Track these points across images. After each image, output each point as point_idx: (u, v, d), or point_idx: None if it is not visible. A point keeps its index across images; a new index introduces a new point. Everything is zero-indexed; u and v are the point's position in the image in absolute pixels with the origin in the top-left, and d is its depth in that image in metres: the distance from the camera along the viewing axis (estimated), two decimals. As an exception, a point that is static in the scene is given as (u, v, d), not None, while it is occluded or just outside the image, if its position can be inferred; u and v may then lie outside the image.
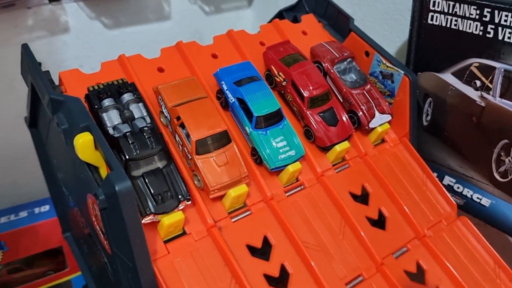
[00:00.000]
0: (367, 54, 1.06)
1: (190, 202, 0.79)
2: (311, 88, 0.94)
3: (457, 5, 0.94)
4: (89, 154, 0.73)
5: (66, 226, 1.20)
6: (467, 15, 0.93)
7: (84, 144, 0.71)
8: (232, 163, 0.82)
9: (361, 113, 0.99)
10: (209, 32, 1.61)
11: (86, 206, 0.80)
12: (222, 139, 0.83)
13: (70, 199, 1.02)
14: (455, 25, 0.96)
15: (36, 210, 1.29)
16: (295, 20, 1.17)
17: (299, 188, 0.91)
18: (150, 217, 0.75)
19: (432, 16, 1.00)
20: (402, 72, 1.00)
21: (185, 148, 0.82)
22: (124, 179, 0.65)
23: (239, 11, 1.71)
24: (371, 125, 0.99)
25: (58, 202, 1.15)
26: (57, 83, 0.88)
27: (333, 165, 0.97)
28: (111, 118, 0.78)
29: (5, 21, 1.28)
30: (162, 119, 0.87)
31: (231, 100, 0.89)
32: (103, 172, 0.76)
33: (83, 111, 0.74)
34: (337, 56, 1.02)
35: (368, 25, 1.24)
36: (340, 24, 1.12)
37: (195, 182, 0.82)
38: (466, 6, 0.92)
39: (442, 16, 0.98)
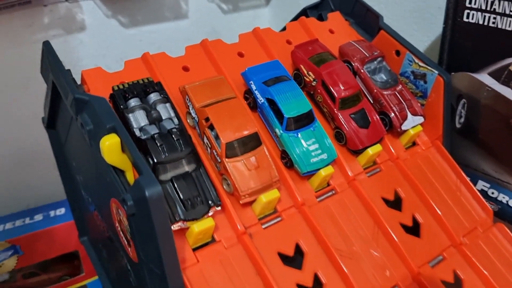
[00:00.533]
0: (397, 53, 1.02)
1: (220, 208, 0.75)
2: (342, 88, 0.90)
3: (496, 2, 0.90)
4: (116, 157, 0.69)
5: (83, 230, 1.16)
6: (507, 12, 0.88)
7: (111, 147, 0.68)
8: (263, 166, 0.78)
9: (393, 114, 0.95)
10: (225, 31, 1.57)
11: (109, 210, 0.77)
12: (253, 142, 0.79)
13: (90, 202, 0.98)
14: (493, 22, 0.92)
15: (52, 213, 1.25)
16: (320, 18, 1.13)
17: (330, 193, 0.87)
18: (179, 223, 0.71)
19: (468, 14, 0.95)
20: (436, 72, 0.95)
21: (214, 151, 0.78)
22: (154, 184, 0.62)
23: (256, 9, 1.68)
24: (403, 127, 0.95)
25: (75, 205, 1.12)
26: (78, 82, 0.84)
27: (364, 169, 0.92)
28: (138, 119, 0.74)
29: (20, 19, 1.25)
30: (188, 120, 0.83)
31: (260, 100, 0.85)
32: (130, 176, 0.73)
33: (109, 111, 0.70)
34: (367, 55, 0.98)
35: (395, 24, 1.20)
36: (368, 22, 1.08)
37: (224, 187, 0.78)
38: (506, 3, 0.88)
39: (479, 13, 0.93)
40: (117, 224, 0.77)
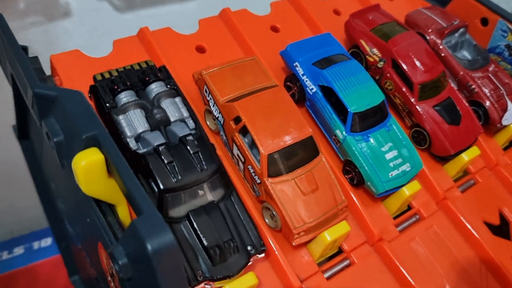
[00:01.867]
0: (484, 22, 0.76)
1: (263, 255, 0.48)
2: (422, 69, 0.63)
3: None
4: (98, 185, 0.44)
5: (73, 267, 0.91)
6: None
7: (89, 168, 0.42)
8: (324, 187, 0.53)
9: (488, 103, 0.68)
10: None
11: (96, 254, 0.52)
12: (307, 151, 0.53)
13: (76, 236, 0.73)
14: None
15: (35, 244, 1.01)
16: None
17: (413, 219, 0.62)
18: (202, 285, 0.45)
19: None
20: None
21: (249, 167, 0.52)
22: (162, 230, 0.38)
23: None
24: (504, 122, 0.69)
25: (61, 237, 0.87)
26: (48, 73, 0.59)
27: (455, 181, 0.66)
28: (133, 122, 0.49)
29: (-11, 4, 1.01)
30: (208, 122, 0.57)
31: (311, 89, 0.59)
32: (122, 212, 0.47)
33: (88, 112, 0.45)
34: (445, 26, 0.72)
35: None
36: (436, -15, 0.82)
37: (266, 221, 0.53)
38: None
39: None
40: (109, 278, 0.52)
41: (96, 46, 1.16)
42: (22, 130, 0.77)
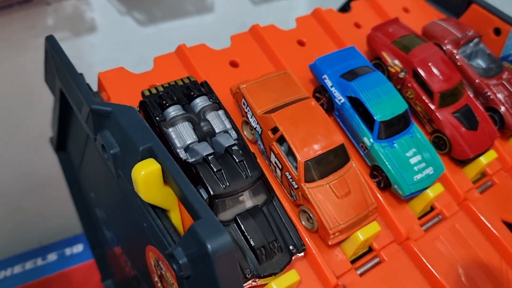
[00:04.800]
0: (497, 32, 0.80)
1: (303, 254, 0.53)
2: (441, 78, 0.67)
3: None
4: (156, 192, 0.48)
5: (106, 271, 0.95)
6: None
7: (148, 178, 0.46)
8: (356, 191, 0.57)
9: (503, 109, 0.72)
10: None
11: (142, 258, 0.56)
12: (339, 158, 0.57)
13: (115, 241, 0.77)
14: None
15: (67, 251, 1.04)
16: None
17: (436, 219, 0.65)
18: (250, 282, 0.49)
19: None
20: (557, 52, 0.73)
21: (286, 173, 0.56)
22: (220, 233, 0.42)
23: (291, -1, 1.46)
24: (518, 127, 0.73)
25: (95, 244, 0.91)
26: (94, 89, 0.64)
27: (473, 183, 0.70)
28: (182, 134, 0.53)
29: (21, 21, 1.06)
30: (245, 132, 0.61)
31: (339, 100, 0.63)
32: (174, 216, 0.51)
33: (143, 126, 0.49)
34: (460, 36, 0.76)
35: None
36: (449, -3, 0.86)
37: (303, 222, 0.57)
38: None
39: None
40: (156, 279, 0.56)
41: (119, 59, 1.22)
42: (60, 142, 0.81)
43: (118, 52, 1.23)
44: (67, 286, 1.00)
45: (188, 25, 1.31)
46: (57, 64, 0.60)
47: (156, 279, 0.56)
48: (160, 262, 0.52)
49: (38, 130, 1.03)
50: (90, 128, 0.54)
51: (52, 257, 1.04)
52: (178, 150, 0.52)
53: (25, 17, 1.07)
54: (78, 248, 1.06)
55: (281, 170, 0.57)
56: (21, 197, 1.19)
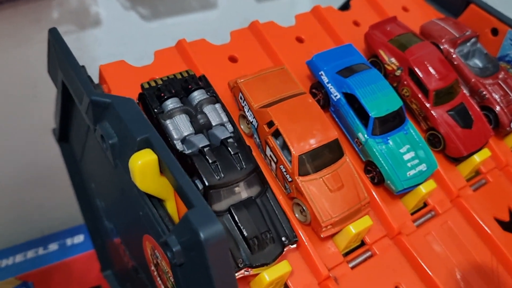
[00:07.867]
0: (494, 32, 0.80)
1: (295, 245, 0.54)
2: (436, 77, 0.68)
3: None
4: (152, 182, 0.49)
5: (106, 262, 0.97)
6: None
7: (145, 167, 0.48)
8: (349, 185, 0.58)
9: (498, 108, 0.73)
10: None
11: (139, 247, 0.57)
12: (333, 152, 0.58)
13: (114, 232, 0.78)
14: None
15: (69, 241, 1.06)
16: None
17: (429, 215, 0.67)
18: (242, 271, 0.50)
19: None
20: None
21: (281, 167, 0.57)
22: (213, 221, 0.43)
23: (294, -5, 1.47)
24: (513, 126, 0.73)
25: (96, 234, 0.92)
26: (96, 81, 0.65)
27: (467, 181, 0.71)
28: (179, 126, 0.54)
29: (26, 14, 1.07)
30: (242, 126, 0.63)
31: (335, 96, 0.64)
32: (170, 206, 0.52)
33: (140, 117, 0.50)
34: (457, 36, 0.77)
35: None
36: (448, -4, 0.87)
37: (296, 215, 0.58)
38: None
39: None
40: (152, 268, 0.57)
41: (123, 53, 1.23)
42: (63, 133, 0.83)
43: (122, 46, 1.24)
44: (67, 275, 1.01)
45: (192, 21, 1.32)
46: (59, 56, 0.61)
47: (153, 267, 0.58)
48: (155, 251, 0.54)
49: (42, 121, 1.04)
50: (90, 119, 0.56)
51: (53, 247, 1.06)
52: (175, 142, 0.53)
53: (31, 11, 1.08)
54: (79, 238, 1.07)
55: (276, 163, 0.58)
56: (24, 187, 1.20)
